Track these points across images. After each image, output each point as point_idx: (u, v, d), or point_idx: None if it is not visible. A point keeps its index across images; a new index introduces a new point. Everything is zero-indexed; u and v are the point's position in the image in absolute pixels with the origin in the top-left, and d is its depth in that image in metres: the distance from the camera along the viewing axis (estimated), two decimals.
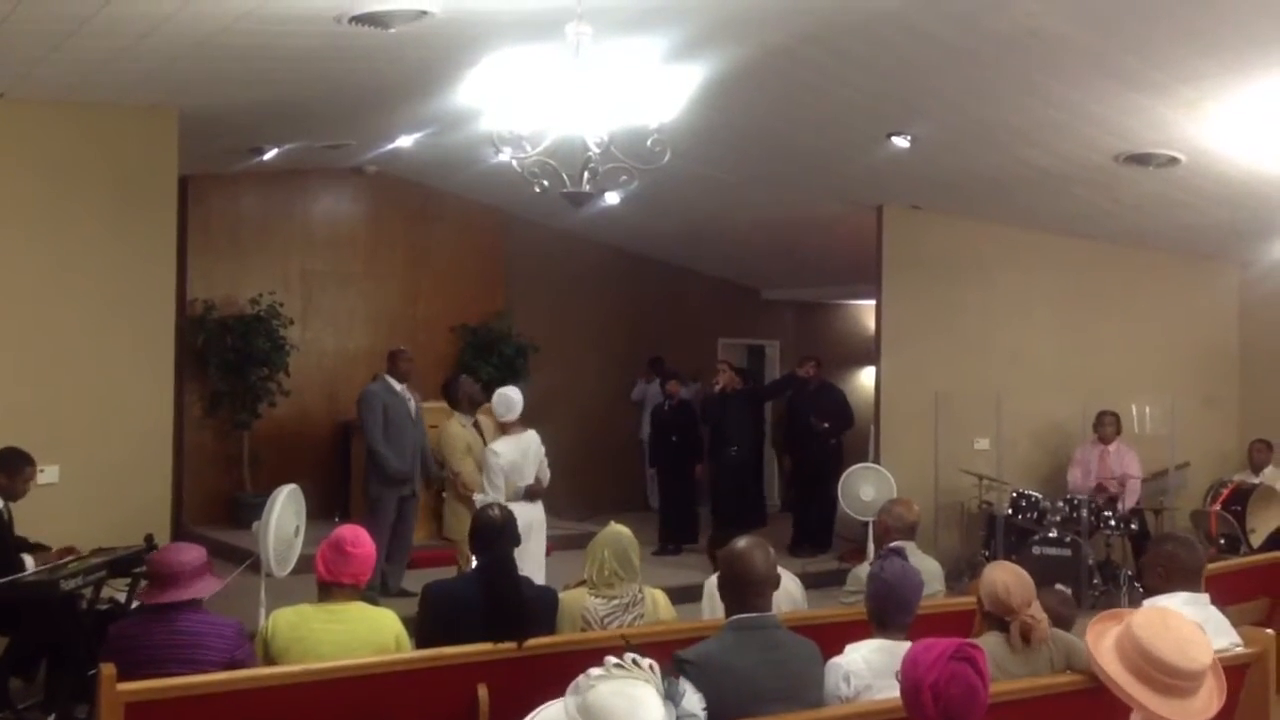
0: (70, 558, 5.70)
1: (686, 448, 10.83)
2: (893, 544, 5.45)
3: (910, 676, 2.66)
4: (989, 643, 3.75)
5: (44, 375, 6.77)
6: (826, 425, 10.58)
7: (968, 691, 2.60)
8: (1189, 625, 2.60)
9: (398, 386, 8.20)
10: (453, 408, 8.11)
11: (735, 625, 3.47)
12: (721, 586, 3.63)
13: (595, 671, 1.98)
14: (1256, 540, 8.20)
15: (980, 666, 2.65)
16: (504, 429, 7.25)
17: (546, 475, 7.38)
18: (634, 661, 1.98)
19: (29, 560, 5.62)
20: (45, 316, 6.81)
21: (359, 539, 4.16)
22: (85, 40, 5.58)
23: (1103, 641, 2.63)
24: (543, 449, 7.37)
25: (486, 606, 4.20)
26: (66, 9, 5.15)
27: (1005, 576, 3.77)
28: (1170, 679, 2.48)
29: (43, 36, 5.57)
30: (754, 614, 3.47)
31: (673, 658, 3.32)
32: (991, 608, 3.76)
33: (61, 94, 6.67)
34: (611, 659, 2.00)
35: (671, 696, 1.96)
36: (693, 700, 2.01)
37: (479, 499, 7.13)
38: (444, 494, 8.00)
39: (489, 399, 7.81)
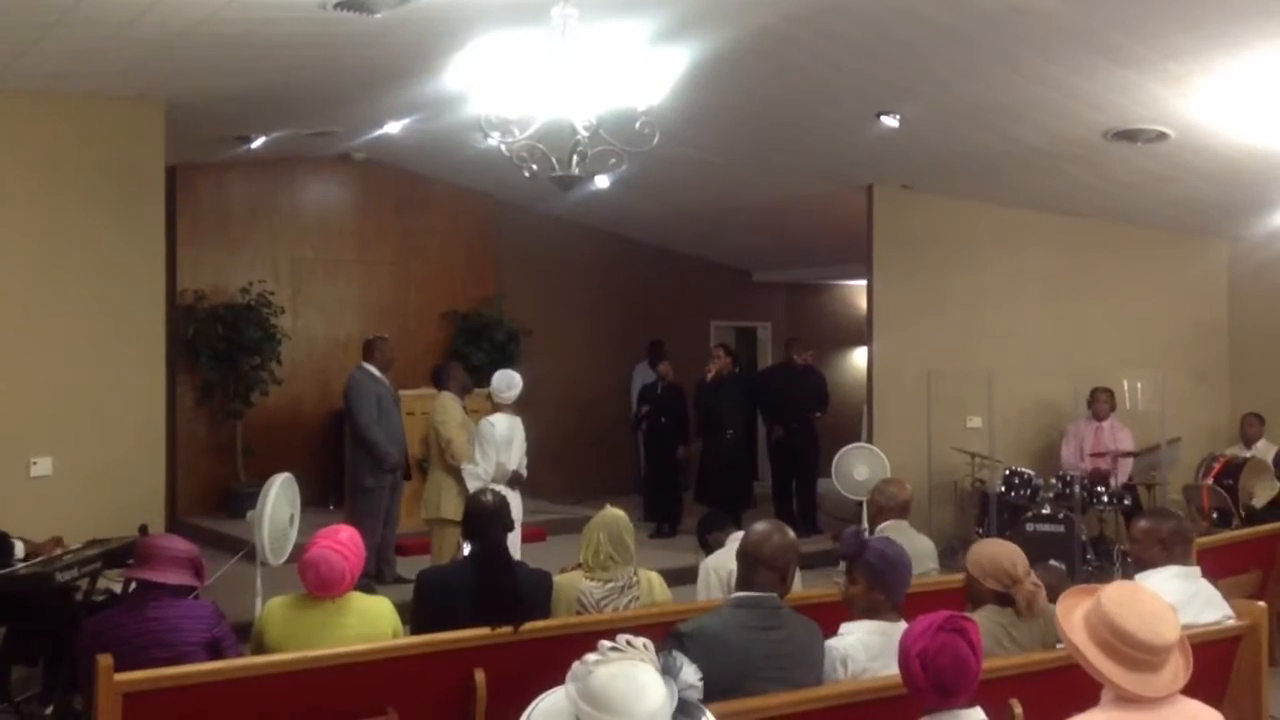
0: (64, 550, 5.70)
1: (675, 430, 10.84)
2: (884, 523, 5.48)
3: (903, 646, 2.71)
4: (988, 615, 3.78)
5: (35, 368, 6.75)
6: (819, 415, 10.63)
7: (957, 661, 2.64)
8: (1158, 601, 2.62)
9: (379, 374, 8.19)
10: (440, 389, 8.09)
11: (736, 602, 3.51)
12: (737, 563, 3.66)
13: (592, 657, 1.99)
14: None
15: (972, 638, 2.68)
16: (498, 409, 7.34)
17: (525, 470, 7.47)
18: (628, 642, 1.99)
19: (19, 545, 5.61)
20: (35, 309, 6.79)
21: (339, 574, 4.03)
22: (69, 30, 5.55)
23: (1073, 615, 2.65)
24: (524, 441, 7.45)
25: (481, 592, 4.22)
26: None
27: (1006, 549, 3.87)
28: (1134, 651, 2.50)
29: (25, 27, 5.53)
30: (755, 593, 3.50)
31: (671, 630, 3.35)
32: (995, 582, 3.80)
33: (46, 85, 6.64)
34: (606, 643, 2.01)
35: (670, 671, 1.97)
36: (689, 672, 2.01)
37: (468, 469, 7.23)
38: (430, 472, 7.93)
39: (475, 386, 7.84)
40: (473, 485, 7.19)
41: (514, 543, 6.87)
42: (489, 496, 4.63)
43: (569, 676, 1.98)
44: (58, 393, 6.82)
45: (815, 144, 8.74)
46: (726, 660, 3.33)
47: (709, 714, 2.05)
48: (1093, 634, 2.56)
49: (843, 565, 5.48)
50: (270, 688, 3.68)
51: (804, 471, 10.72)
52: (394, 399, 8.25)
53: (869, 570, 3.69)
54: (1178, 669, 2.56)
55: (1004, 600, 3.81)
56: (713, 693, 3.20)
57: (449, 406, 7.72)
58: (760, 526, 3.64)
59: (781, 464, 10.92)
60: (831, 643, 3.60)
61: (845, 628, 3.66)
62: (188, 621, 3.94)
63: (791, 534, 3.66)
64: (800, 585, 5.34)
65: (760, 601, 3.48)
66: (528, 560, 4.84)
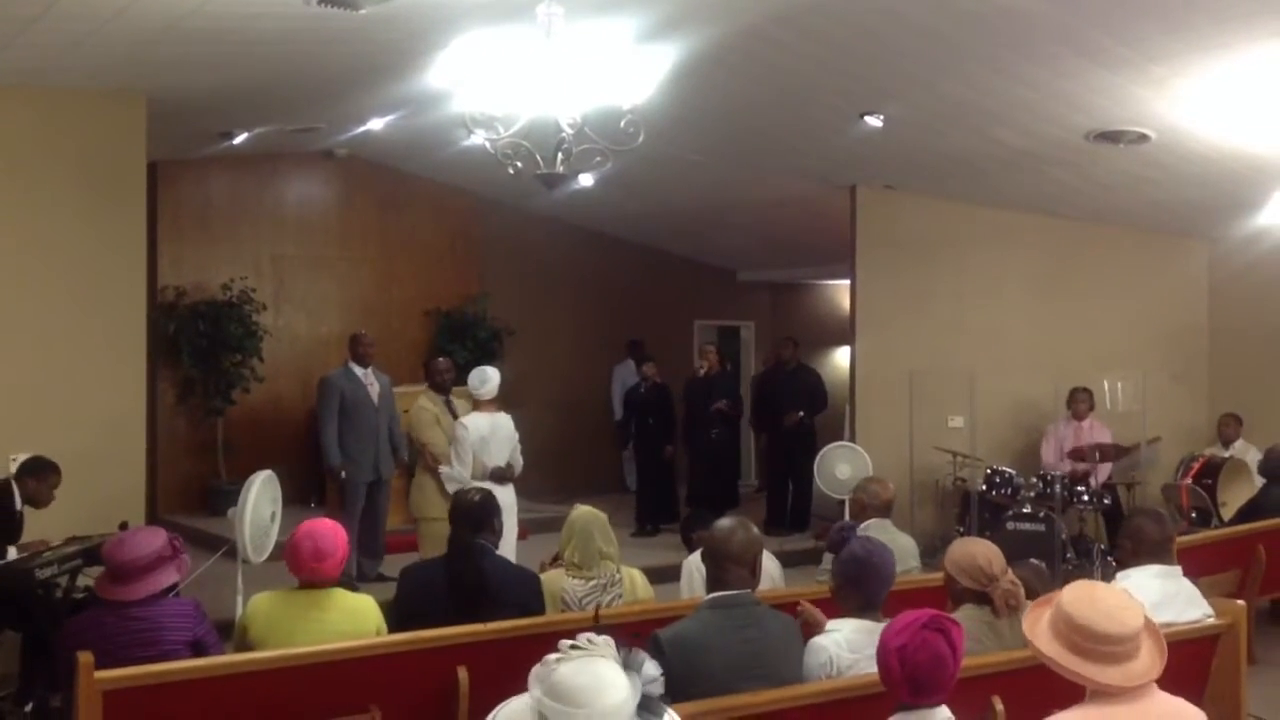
0: (44, 548, 5.66)
1: (662, 430, 10.84)
2: (850, 522, 5.49)
3: (882, 641, 2.74)
4: (967, 615, 3.80)
5: (14, 364, 6.71)
6: (802, 414, 10.64)
7: (935, 659, 2.66)
8: (1115, 593, 2.65)
9: (359, 371, 8.18)
10: (429, 385, 8.09)
11: (711, 604, 3.49)
12: (705, 564, 3.66)
13: (552, 657, 2.00)
14: (1227, 513, 8.29)
15: (953, 639, 2.70)
16: (477, 407, 7.30)
17: (519, 461, 7.40)
18: (589, 640, 2.00)
19: (11, 551, 5.58)
20: (14, 306, 6.74)
21: (332, 547, 4.06)
22: (51, 24, 5.51)
23: (1038, 626, 2.67)
24: (516, 434, 7.38)
25: (449, 585, 4.24)
26: None
27: (982, 548, 3.87)
28: (1105, 646, 2.53)
29: (7, 21, 5.49)
30: (730, 592, 3.49)
31: (650, 637, 3.35)
32: (971, 581, 3.81)
33: (27, 79, 6.59)
34: (566, 642, 2.02)
35: (632, 666, 1.98)
36: (649, 667, 2.03)
37: (445, 471, 7.20)
38: (415, 472, 7.93)
39: (461, 382, 7.81)
40: (451, 488, 7.17)
41: (509, 542, 6.84)
42: (475, 495, 4.63)
43: (532, 678, 1.99)
44: (37, 389, 6.77)
45: (799, 144, 8.75)
46: (708, 664, 3.33)
47: (671, 711, 2.06)
48: (1060, 638, 2.59)
49: (825, 563, 5.54)
50: (252, 686, 3.66)
51: (798, 471, 10.70)
52: (371, 397, 8.19)
53: (840, 570, 3.74)
54: (1153, 654, 2.58)
55: (981, 599, 3.83)
56: (696, 696, 3.21)
57: (422, 406, 7.72)
58: (724, 523, 3.63)
59: (776, 463, 10.92)
60: (818, 639, 3.61)
61: (833, 624, 3.68)
62: (170, 621, 3.91)
63: (754, 528, 3.66)
64: (783, 583, 5.37)
65: (735, 600, 3.48)
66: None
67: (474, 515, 4.52)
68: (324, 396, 8.09)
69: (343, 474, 7.96)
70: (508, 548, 6.75)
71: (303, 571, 4.05)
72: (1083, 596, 2.62)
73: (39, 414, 6.75)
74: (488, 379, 7.27)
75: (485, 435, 7.17)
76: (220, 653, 4.00)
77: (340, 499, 8.13)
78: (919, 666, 2.65)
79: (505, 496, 7.07)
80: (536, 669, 1.99)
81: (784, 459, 10.74)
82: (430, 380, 8.04)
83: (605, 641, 2.00)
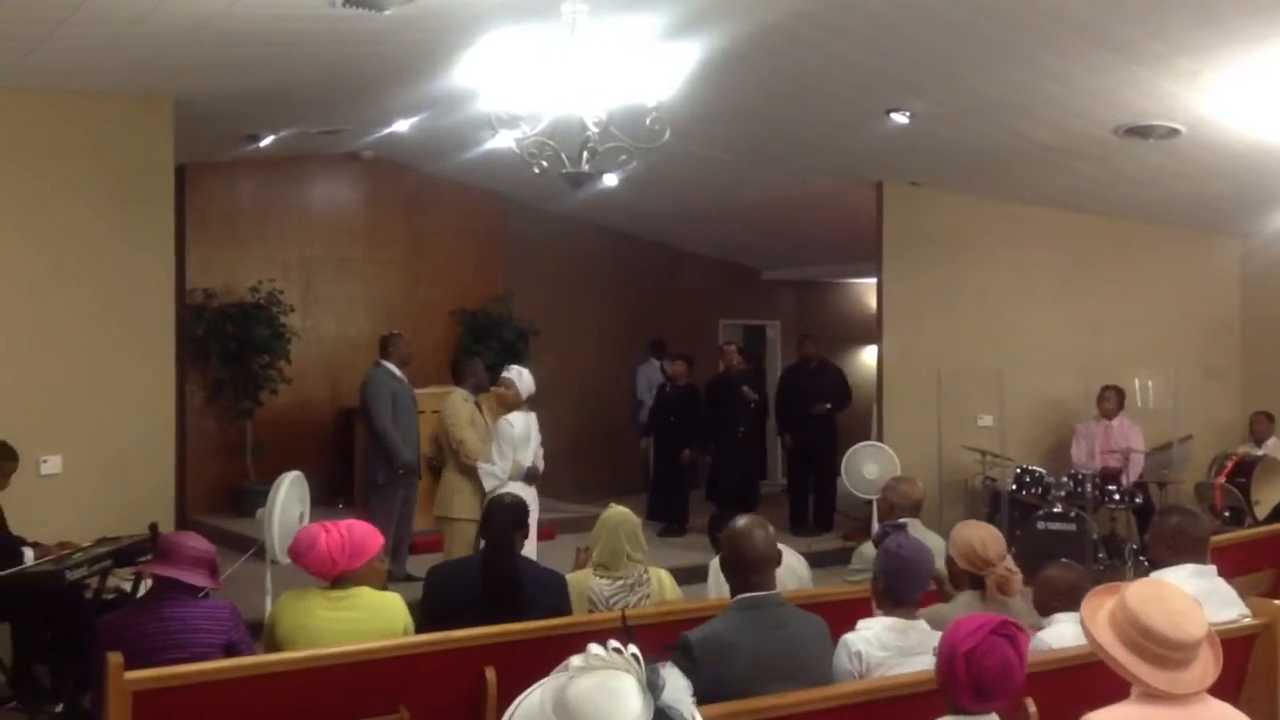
0: (73, 549, 5.69)
1: (682, 430, 10.79)
2: (896, 520, 5.45)
3: (948, 642, 2.69)
4: (963, 601, 3.79)
5: (45, 367, 6.75)
6: (829, 406, 10.59)
7: (1003, 665, 2.63)
8: (1183, 597, 2.59)
9: (397, 371, 8.19)
10: (457, 384, 8.06)
11: (740, 605, 3.47)
12: (724, 566, 3.64)
13: (575, 662, 1.96)
14: (1261, 512, 8.20)
15: (1020, 647, 2.67)
16: (510, 407, 7.35)
17: (541, 463, 7.44)
18: (616, 650, 1.95)
19: (29, 553, 5.61)
20: (44, 308, 6.79)
21: (373, 539, 4.14)
22: (77, 28, 5.54)
23: (1098, 615, 2.63)
24: (540, 436, 7.44)
25: (482, 578, 4.24)
26: None
27: (979, 532, 3.89)
28: (1163, 650, 2.48)
29: (34, 24, 5.53)
30: (758, 593, 3.47)
31: (679, 638, 3.33)
32: (967, 564, 3.82)
33: (54, 83, 6.63)
34: (594, 647, 1.98)
35: (653, 687, 1.93)
36: (678, 688, 1.96)
37: (484, 468, 7.21)
38: (444, 471, 7.88)
39: (491, 384, 7.83)
40: (489, 484, 7.17)
41: (530, 542, 6.83)
42: (507, 498, 4.72)
43: (551, 676, 1.95)
44: (67, 391, 6.82)
45: (824, 141, 8.71)
46: (738, 665, 3.30)
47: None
48: (1119, 633, 2.54)
49: (854, 563, 5.52)
50: (281, 686, 3.66)
51: (822, 469, 10.65)
52: (411, 397, 8.24)
53: (877, 564, 3.71)
54: (1207, 664, 2.54)
55: (977, 584, 3.83)
56: (727, 697, 3.19)
57: (457, 406, 7.66)
58: (740, 524, 3.59)
59: (799, 462, 10.87)
60: (848, 636, 3.59)
61: (863, 623, 3.65)
62: (206, 623, 3.93)
63: (769, 525, 3.64)
64: (812, 583, 5.34)
65: (765, 600, 3.46)
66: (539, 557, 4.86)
67: (513, 511, 4.57)
68: (377, 397, 7.99)
69: (407, 469, 8.01)
70: (529, 548, 6.75)
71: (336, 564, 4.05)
72: (1150, 595, 2.57)
73: (69, 416, 6.79)
74: (524, 378, 7.36)
75: (525, 433, 7.25)
76: (253, 655, 4.01)
77: (377, 500, 8.09)
78: (986, 671, 2.62)
79: (531, 496, 7.09)
80: (558, 670, 1.95)
81: (806, 458, 10.70)
82: (465, 381, 7.96)
83: (634, 655, 1.96)
